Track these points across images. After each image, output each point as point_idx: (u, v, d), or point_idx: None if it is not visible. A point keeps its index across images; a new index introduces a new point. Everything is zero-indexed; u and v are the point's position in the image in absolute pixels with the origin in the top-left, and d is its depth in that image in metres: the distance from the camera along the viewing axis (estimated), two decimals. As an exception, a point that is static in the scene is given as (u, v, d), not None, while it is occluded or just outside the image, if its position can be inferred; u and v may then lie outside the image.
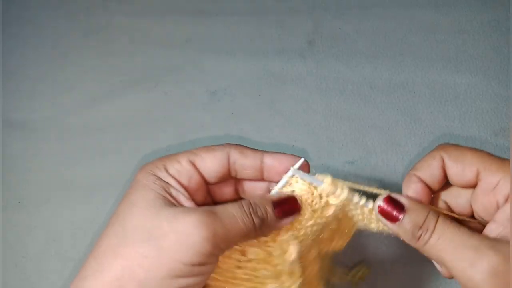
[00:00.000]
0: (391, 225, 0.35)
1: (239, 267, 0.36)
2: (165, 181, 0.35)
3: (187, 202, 0.35)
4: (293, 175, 0.37)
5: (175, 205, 0.34)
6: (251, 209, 0.34)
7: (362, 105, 0.66)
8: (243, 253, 0.36)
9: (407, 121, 0.65)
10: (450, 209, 0.39)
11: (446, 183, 0.38)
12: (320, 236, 0.41)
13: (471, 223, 0.37)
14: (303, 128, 0.66)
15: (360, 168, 0.63)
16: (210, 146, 0.38)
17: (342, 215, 0.40)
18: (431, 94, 0.66)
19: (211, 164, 0.37)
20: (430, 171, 0.36)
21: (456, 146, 0.36)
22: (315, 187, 0.37)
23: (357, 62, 0.70)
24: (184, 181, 0.36)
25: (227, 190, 0.41)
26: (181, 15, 0.76)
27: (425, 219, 0.34)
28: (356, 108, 0.66)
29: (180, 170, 0.36)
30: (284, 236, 0.37)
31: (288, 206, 0.36)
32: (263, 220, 0.34)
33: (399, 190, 0.39)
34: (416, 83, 0.67)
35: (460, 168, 0.35)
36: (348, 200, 0.38)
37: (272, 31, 0.73)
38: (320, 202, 0.38)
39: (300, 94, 0.68)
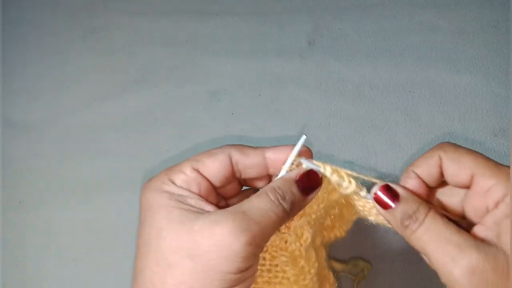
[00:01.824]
0: (383, 212, 0.36)
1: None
2: (178, 194, 0.34)
3: (208, 207, 0.34)
4: (297, 157, 0.37)
5: (200, 213, 0.33)
6: (278, 196, 0.34)
7: (362, 105, 0.66)
8: None
9: (407, 121, 0.65)
10: (442, 206, 0.39)
11: (442, 181, 0.39)
12: (323, 223, 0.41)
13: (460, 223, 0.38)
14: (303, 128, 0.66)
15: (360, 168, 0.63)
16: (210, 150, 0.37)
17: (344, 202, 0.40)
18: (431, 94, 0.66)
19: (214, 168, 0.36)
20: (427, 169, 0.37)
21: (455, 146, 0.37)
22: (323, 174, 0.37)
23: (357, 62, 0.70)
24: (195, 189, 0.35)
25: (235, 188, 0.40)
26: (181, 15, 0.76)
27: (416, 210, 0.35)
28: (356, 108, 0.66)
29: (187, 180, 0.35)
30: (298, 221, 0.37)
31: (311, 181, 0.36)
32: (293, 204, 0.34)
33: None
34: (416, 83, 0.67)
35: (456, 169, 0.35)
36: (355, 193, 0.38)
37: (272, 31, 0.73)
38: (327, 187, 0.38)
39: (300, 94, 0.68)
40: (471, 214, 0.37)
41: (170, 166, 0.36)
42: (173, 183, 0.35)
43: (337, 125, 0.65)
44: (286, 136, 0.65)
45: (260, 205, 0.33)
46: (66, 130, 0.68)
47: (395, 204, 0.35)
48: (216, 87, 0.70)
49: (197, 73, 0.71)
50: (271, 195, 0.34)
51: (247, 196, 0.35)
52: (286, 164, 0.37)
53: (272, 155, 0.38)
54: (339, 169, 0.38)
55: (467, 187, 0.36)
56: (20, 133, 0.68)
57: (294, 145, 0.38)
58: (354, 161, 0.63)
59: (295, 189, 0.35)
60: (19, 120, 0.69)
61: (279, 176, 0.37)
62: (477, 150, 0.36)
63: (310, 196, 0.36)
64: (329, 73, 0.69)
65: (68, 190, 0.64)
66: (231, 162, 0.37)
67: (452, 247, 0.32)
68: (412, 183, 0.37)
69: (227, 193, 0.40)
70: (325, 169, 0.37)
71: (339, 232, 0.43)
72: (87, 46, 0.75)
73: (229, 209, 0.33)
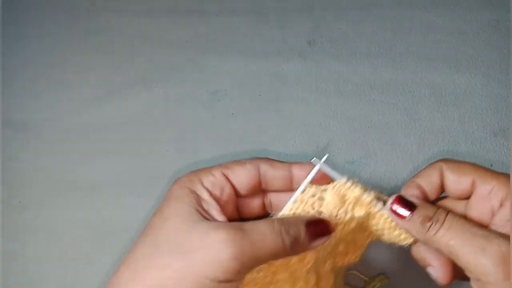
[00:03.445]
0: (401, 222, 0.37)
1: (259, 270, 0.37)
2: (198, 194, 0.37)
3: (218, 216, 0.36)
4: (319, 170, 0.39)
5: (207, 219, 0.35)
6: (282, 228, 0.34)
7: (362, 105, 0.66)
8: None
9: (407, 121, 0.65)
10: None
11: (442, 198, 0.40)
12: (336, 249, 0.41)
13: None
14: (303, 128, 0.66)
15: (359, 168, 0.63)
16: (239, 160, 0.40)
17: (357, 226, 0.39)
18: (431, 94, 0.66)
19: (242, 176, 0.39)
20: (429, 179, 0.38)
21: (455, 160, 0.39)
22: (345, 200, 0.38)
23: (357, 62, 0.70)
24: (217, 192, 0.38)
25: (255, 204, 0.42)
26: (181, 15, 0.76)
27: (435, 212, 0.36)
28: (356, 108, 0.66)
29: (214, 182, 0.38)
30: None
31: (321, 228, 0.36)
32: (296, 240, 0.35)
33: (398, 190, 0.40)
34: (416, 83, 0.67)
35: (457, 177, 0.37)
36: (372, 207, 0.38)
37: (272, 31, 0.73)
38: (345, 215, 0.38)
39: (300, 94, 0.68)
40: (476, 219, 0.38)
41: (203, 168, 0.39)
42: (201, 182, 0.38)
43: (337, 125, 0.65)
44: (286, 136, 0.65)
45: (261, 228, 0.34)
46: (66, 130, 0.68)
47: (412, 213, 0.37)
48: (216, 87, 0.70)
49: (197, 73, 0.71)
50: (276, 224, 0.34)
51: None
52: (307, 179, 0.39)
53: (298, 171, 0.40)
54: (356, 183, 0.39)
55: (467, 197, 0.38)
56: (20, 133, 0.68)
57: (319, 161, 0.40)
58: (354, 161, 0.63)
59: (302, 229, 0.35)
60: (19, 120, 0.69)
61: (298, 191, 0.39)
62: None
63: (316, 243, 0.36)
64: (329, 73, 0.69)
65: (68, 190, 0.64)
66: (258, 172, 0.40)
67: (479, 239, 0.33)
68: (412, 192, 0.38)
69: (250, 211, 0.42)
70: (344, 181, 0.38)
71: (353, 257, 0.43)
72: (87, 46, 0.75)
73: (232, 223, 0.34)
